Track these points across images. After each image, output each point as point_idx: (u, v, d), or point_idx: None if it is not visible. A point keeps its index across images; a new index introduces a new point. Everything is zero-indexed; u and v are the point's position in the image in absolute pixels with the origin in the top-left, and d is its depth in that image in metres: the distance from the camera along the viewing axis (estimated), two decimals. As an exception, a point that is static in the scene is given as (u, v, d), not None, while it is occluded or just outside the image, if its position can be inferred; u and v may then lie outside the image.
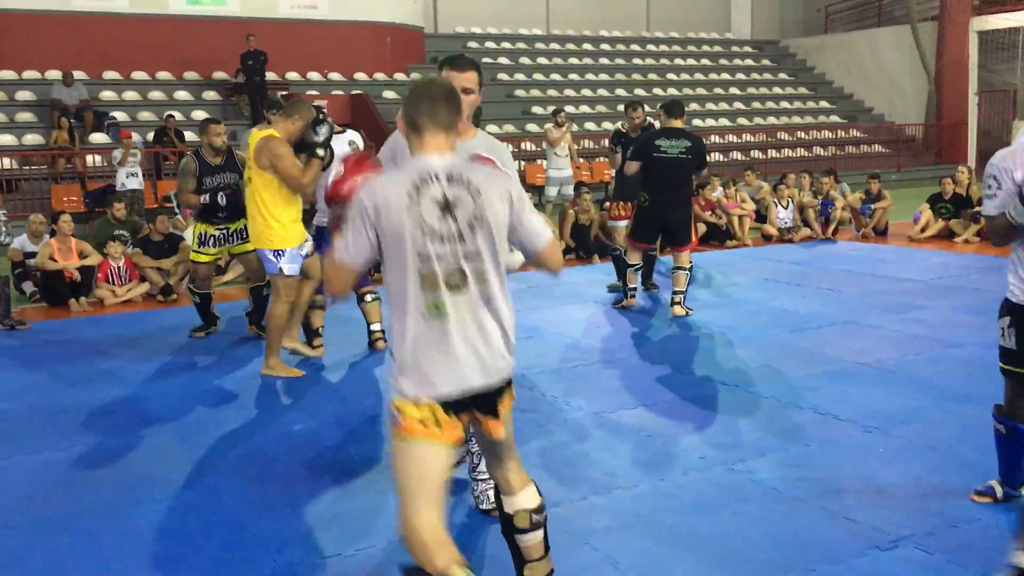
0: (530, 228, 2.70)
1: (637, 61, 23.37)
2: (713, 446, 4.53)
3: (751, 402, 5.20)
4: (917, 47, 22.05)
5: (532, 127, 18.61)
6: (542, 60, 21.95)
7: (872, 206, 12.12)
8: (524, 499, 2.84)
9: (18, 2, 16.23)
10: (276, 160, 5.56)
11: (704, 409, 5.13)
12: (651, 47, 24.28)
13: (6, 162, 13.95)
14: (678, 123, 7.50)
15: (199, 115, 17.21)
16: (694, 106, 21.65)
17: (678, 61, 23.89)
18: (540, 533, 2.88)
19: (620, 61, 23.11)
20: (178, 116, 15.74)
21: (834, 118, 22.77)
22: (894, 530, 3.57)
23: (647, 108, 9.28)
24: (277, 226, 5.68)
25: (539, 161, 16.98)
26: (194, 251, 6.93)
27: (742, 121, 21.39)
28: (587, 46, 23.25)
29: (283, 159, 5.57)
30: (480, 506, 3.82)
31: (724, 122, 21.20)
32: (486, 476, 3.65)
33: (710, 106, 21.88)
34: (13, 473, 4.47)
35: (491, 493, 3.64)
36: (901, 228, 12.15)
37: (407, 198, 2.50)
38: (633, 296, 7.80)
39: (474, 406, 2.60)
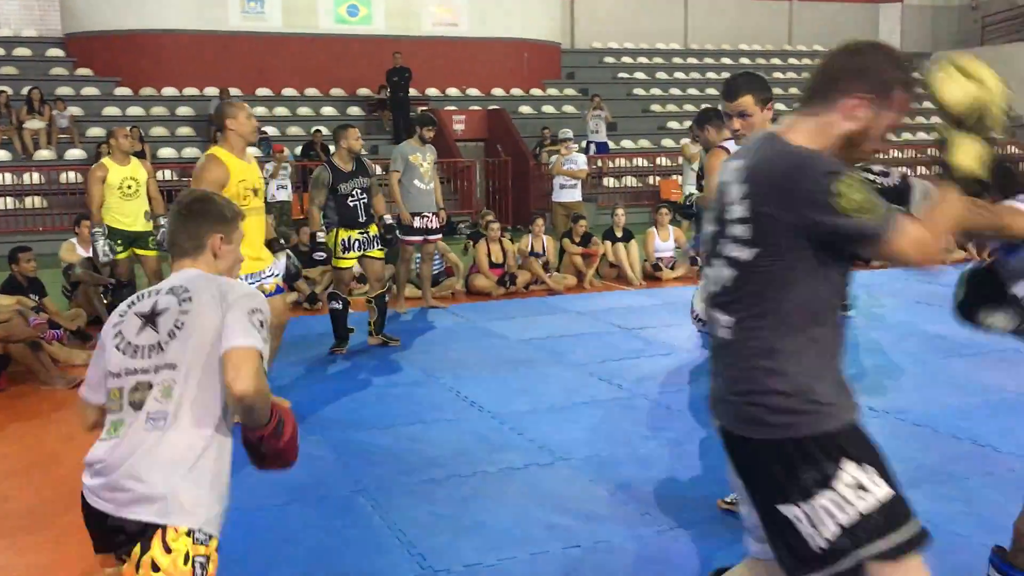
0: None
1: (778, 75, 22.83)
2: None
3: (904, 430, 4.98)
4: (1082, 58, 20.72)
5: (668, 142, 18.44)
6: (679, 75, 21.73)
7: (1033, 227, 11.43)
8: None
9: (179, 22, 17.26)
10: None
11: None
12: (793, 60, 23.69)
13: (167, 174, 14.81)
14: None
15: (344, 130, 17.86)
16: (837, 121, 20.99)
17: (821, 75, 23.20)
18: None
19: (761, 75, 22.62)
20: (324, 131, 16.36)
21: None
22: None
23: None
24: None
25: (674, 176, 16.81)
26: (337, 257, 7.01)
27: (890, 137, 20.54)
28: (725, 60, 22.88)
29: None
30: None
31: (869, 137, 20.44)
32: None
33: (855, 121, 21.16)
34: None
35: None
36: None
37: (116, 315, 2.43)
38: None
39: (104, 539, 2.29)
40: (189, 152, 15.86)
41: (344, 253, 6.99)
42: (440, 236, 8.61)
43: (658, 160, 17.73)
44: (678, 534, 3.79)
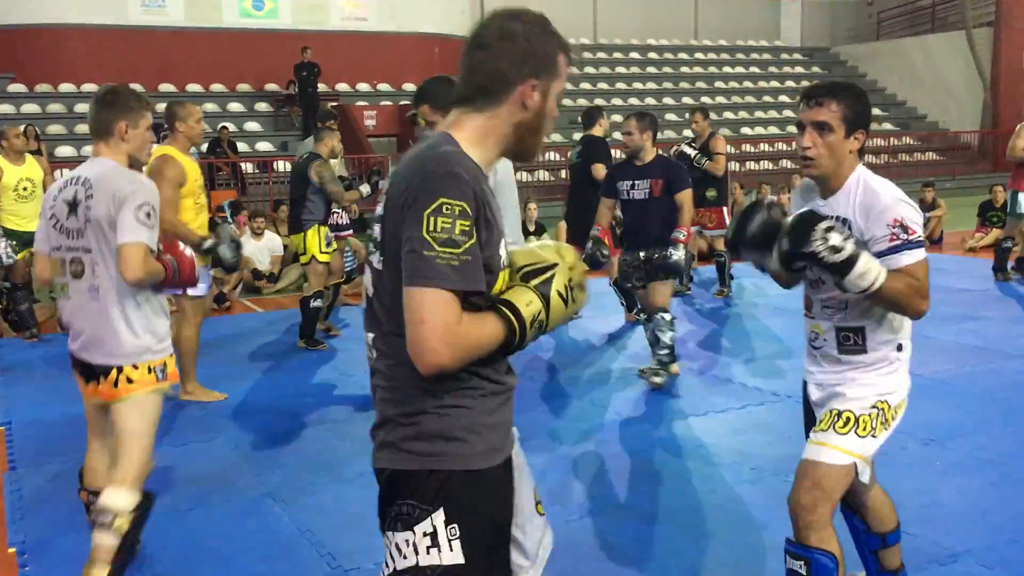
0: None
1: (685, 70, 23.28)
2: (765, 457, 4.49)
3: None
4: (972, 53, 21.66)
5: (580, 136, 18.61)
6: (589, 69, 21.95)
7: (926, 215, 11.92)
8: (108, 497, 3.08)
9: (77, 16, 16.69)
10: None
11: (755, 421, 5.09)
12: (699, 55, 24.17)
13: (66, 173, 14.28)
14: (594, 131, 7.63)
15: (252, 126, 17.53)
16: (743, 114, 21.50)
17: (727, 69, 23.75)
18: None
19: (668, 70, 23.04)
20: (231, 127, 16.02)
21: (887, 126, 22.44)
22: (952, 544, 3.51)
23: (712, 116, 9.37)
24: None
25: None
26: (323, 252, 6.94)
27: (792, 129, 21.12)
28: (634, 55, 23.22)
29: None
30: None
31: (774, 130, 21.00)
32: None
33: (759, 114, 21.70)
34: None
35: None
36: (956, 237, 11.93)
37: (50, 198, 3.24)
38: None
39: (82, 372, 3.22)
40: (89, 150, 15.32)
41: (326, 248, 6.99)
42: (351, 232, 8.53)
43: (569, 154, 17.88)
44: (587, 523, 3.84)
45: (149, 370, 3.17)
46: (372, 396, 1.90)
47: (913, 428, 4.83)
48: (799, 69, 24.76)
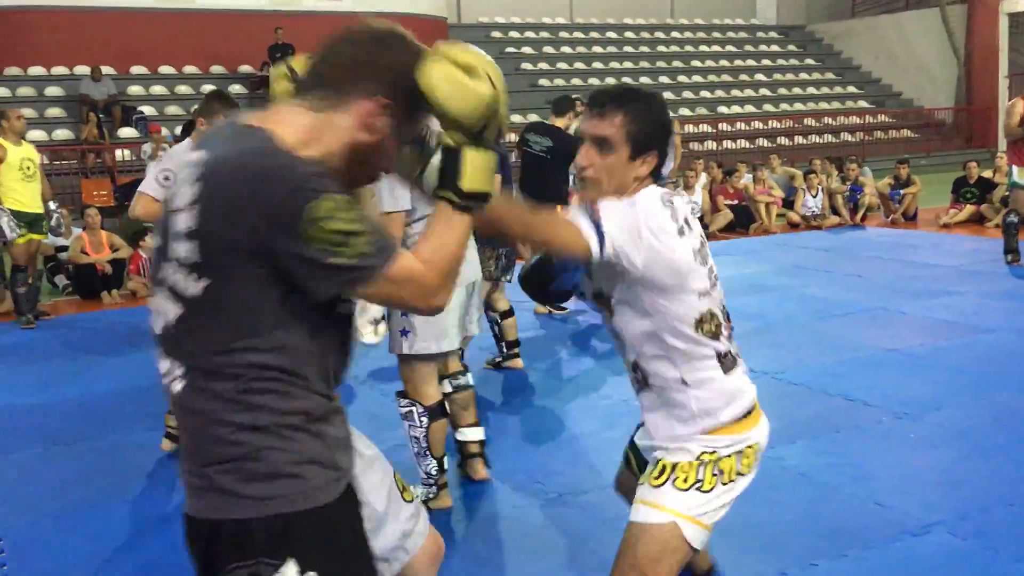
0: None
1: (662, 49, 23.24)
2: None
3: (780, 389, 5.19)
4: (946, 30, 21.77)
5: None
6: (566, 49, 21.88)
7: (901, 192, 12.01)
8: None
9: (46, -1, 16.42)
10: None
11: (733, 396, 5.15)
12: (675, 34, 24.13)
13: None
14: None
15: (226, 108, 17.31)
16: (719, 93, 21.52)
17: (703, 48, 23.73)
18: None
19: (644, 49, 23.00)
20: (205, 110, 15.86)
21: (862, 103, 22.54)
22: (925, 515, 3.56)
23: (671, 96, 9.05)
24: None
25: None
26: None
27: (768, 107, 21.22)
28: (611, 34, 23.15)
29: None
30: None
31: (750, 108, 21.05)
32: None
33: (736, 93, 21.73)
34: (48, 463, 4.56)
35: None
36: (931, 213, 12.04)
37: None
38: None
39: None
40: (61, 134, 15.17)
41: None
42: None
43: (526, 137, 17.82)
44: (570, 501, 3.87)
45: None
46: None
47: (887, 402, 4.90)
48: (775, 48, 24.79)
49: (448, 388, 3.89)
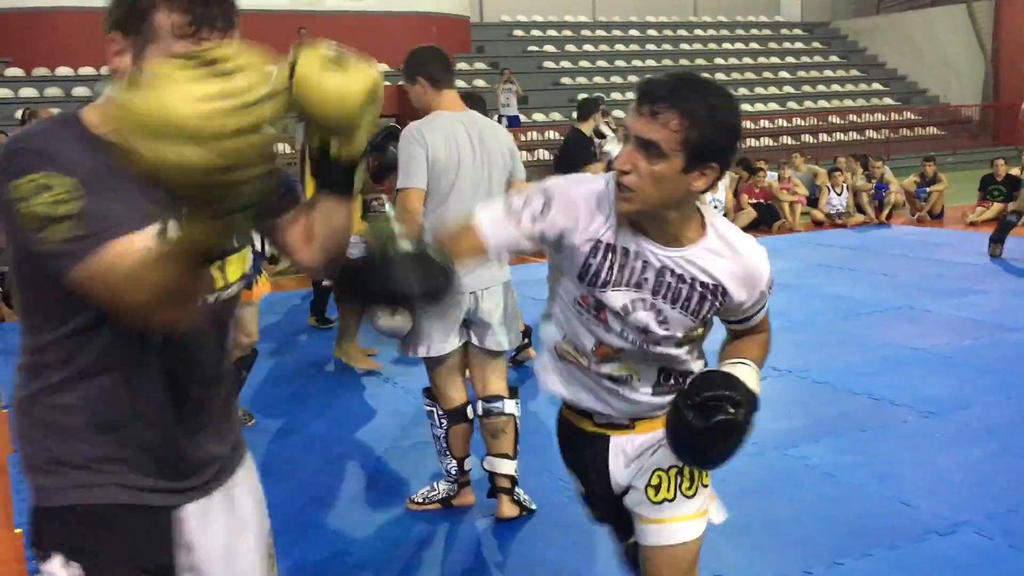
0: None
1: (685, 46, 23.16)
2: (766, 431, 4.50)
3: (804, 388, 5.16)
4: (973, 26, 21.55)
5: (579, 115, 18.53)
6: (588, 47, 21.86)
7: (927, 189, 11.91)
8: None
9: (73, 0, 16.60)
10: None
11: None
12: (699, 32, 24.04)
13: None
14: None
15: (250, 108, 17.45)
16: (743, 91, 21.41)
17: (726, 45, 23.63)
18: None
19: (667, 47, 22.93)
20: (230, 109, 15.98)
21: (887, 100, 22.35)
22: (952, 515, 3.53)
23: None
24: None
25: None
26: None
27: (792, 105, 21.09)
28: (633, 32, 23.10)
29: None
30: None
31: (774, 106, 20.93)
32: None
33: (759, 90, 21.62)
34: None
35: None
36: (957, 211, 11.92)
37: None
38: None
39: None
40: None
41: None
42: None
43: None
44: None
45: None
46: None
47: (913, 401, 4.86)
48: (799, 45, 24.63)
49: (480, 411, 3.55)
